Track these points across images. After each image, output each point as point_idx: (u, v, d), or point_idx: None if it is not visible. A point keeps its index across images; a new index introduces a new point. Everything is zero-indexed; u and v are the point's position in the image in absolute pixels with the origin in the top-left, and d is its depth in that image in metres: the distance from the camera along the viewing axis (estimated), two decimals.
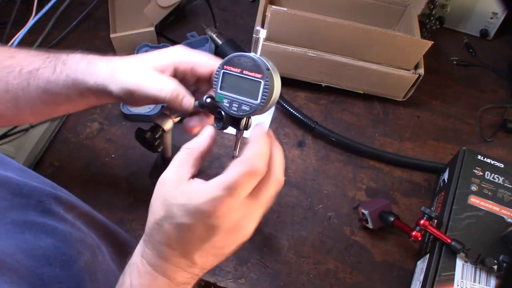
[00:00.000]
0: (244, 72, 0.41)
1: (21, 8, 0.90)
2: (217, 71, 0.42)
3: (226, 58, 0.41)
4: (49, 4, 0.92)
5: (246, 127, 0.44)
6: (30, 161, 0.71)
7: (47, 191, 0.46)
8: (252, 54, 0.41)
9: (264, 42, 0.76)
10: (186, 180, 0.37)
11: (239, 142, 0.43)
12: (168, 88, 0.44)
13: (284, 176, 0.39)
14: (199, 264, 0.39)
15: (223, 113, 0.42)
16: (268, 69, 0.40)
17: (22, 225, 0.42)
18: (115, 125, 0.78)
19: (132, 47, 0.85)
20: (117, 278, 0.49)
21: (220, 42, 0.86)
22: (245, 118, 0.43)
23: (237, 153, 0.44)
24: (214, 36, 0.87)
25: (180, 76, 0.47)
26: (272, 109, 0.82)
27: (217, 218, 0.35)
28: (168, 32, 0.92)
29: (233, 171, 0.35)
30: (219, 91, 0.42)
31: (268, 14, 0.74)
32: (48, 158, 0.74)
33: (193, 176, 0.38)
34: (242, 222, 0.38)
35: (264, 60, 0.40)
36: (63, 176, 0.72)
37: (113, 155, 0.75)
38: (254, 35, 0.42)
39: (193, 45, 0.86)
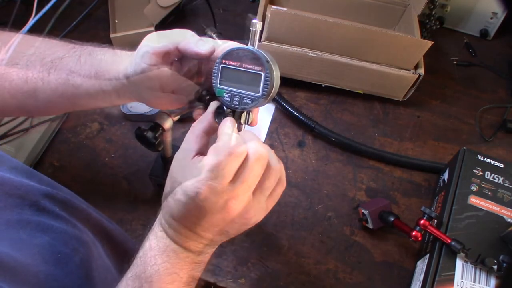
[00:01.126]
0: (244, 65, 0.40)
1: (21, 8, 0.90)
2: (215, 66, 0.42)
3: (224, 52, 0.41)
4: (49, 4, 0.91)
5: (247, 120, 0.44)
6: (30, 161, 0.71)
7: (43, 190, 0.46)
8: (250, 47, 0.41)
9: (264, 42, 0.76)
10: (190, 158, 0.39)
11: None
12: (174, 36, 0.45)
13: (263, 150, 0.39)
14: (205, 237, 0.40)
15: (224, 107, 0.42)
16: (268, 61, 0.40)
17: (16, 224, 0.42)
18: (115, 125, 0.78)
19: (132, 47, 0.85)
20: (112, 275, 0.49)
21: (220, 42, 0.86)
22: (245, 112, 0.43)
23: None
24: (214, 36, 0.87)
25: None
26: (272, 109, 0.82)
27: (202, 200, 0.37)
28: None
29: (213, 155, 0.37)
30: (219, 85, 0.42)
31: (268, 14, 0.74)
32: (48, 158, 0.74)
33: (200, 153, 0.40)
34: (230, 204, 0.38)
35: (263, 53, 0.40)
36: (63, 176, 0.72)
37: (113, 155, 0.75)
38: (250, 28, 0.41)
39: None
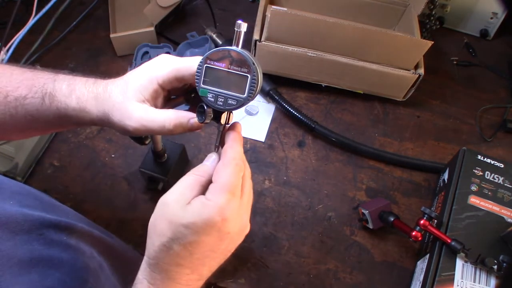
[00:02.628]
0: (229, 66, 0.40)
1: (21, 8, 0.90)
2: (199, 65, 0.42)
3: (208, 52, 0.41)
4: (49, 4, 0.92)
5: (228, 121, 0.44)
6: (30, 161, 0.71)
7: (46, 220, 0.45)
8: (235, 48, 0.40)
9: (264, 42, 0.76)
10: (191, 200, 0.38)
11: (220, 135, 0.44)
12: (169, 122, 0.43)
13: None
14: (205, 275, 0.40)
15: (205, 107, 0.42)
16: (253, 64, 0.40)
17: (29, 263, 0.41)
18: None
19: (132, 47, 0.85)
20: None
21: (220, 42, 0.86)
22: (226, 112, 0.43)
23: (218, 144, 0.45)
24: (214, 36, 0.87)
25: (169, 86, 0.46)
26: (272, 109, 0.82)
27: (229, 223, 0.37)
28: (168, 32, 0.92)
29: (225, 174, 0.38)
30: (202, 85, 0.42)
31: (268, 14, 0.74)
32: (48, 158, 0.74)
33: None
34: (244, 219, 0.39)
35: (248, 54, 0.40)
36: (63, 176, 0.72)
37: (113, 155, 0.75)
38: (235, 29, 0.41)
39: (193, 45, 0.86)
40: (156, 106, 0.45)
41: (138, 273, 0.40)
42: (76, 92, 0.45)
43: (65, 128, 0.52)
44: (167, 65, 0.44)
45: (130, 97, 0.43)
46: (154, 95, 0.44)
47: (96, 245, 0.50)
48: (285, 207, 0.71)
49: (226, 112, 0.43)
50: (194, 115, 0.45)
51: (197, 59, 0.43)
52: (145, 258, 0.39)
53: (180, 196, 0.38)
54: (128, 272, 0.54)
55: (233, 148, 0.40)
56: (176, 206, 0.37)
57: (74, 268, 0.45)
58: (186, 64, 0.44)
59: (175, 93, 0.49)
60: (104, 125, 0.46)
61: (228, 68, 0.41)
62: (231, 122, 0.45)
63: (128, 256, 0.60)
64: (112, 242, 0.56)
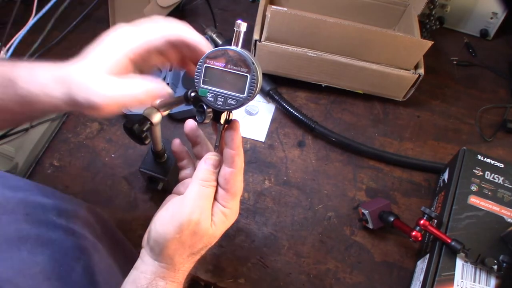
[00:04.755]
0: (229, 66, 0.40)
1: (21, 8, 0.90)
2: (198, 65, 0.42)
3: (208, 52, 0.41)
4: (49, 4, 0.92)
5: (227, 120, 0.44)
6: (30, 161, 0.71)
7: (30, 200, 0.45)
8: (235, 48, 0.40)
9: (264, 42, 0.76)
10: (213, 212, 0.43)
11: (220, 135, 0.45)
12: (139, 90, 0.40)
13: None
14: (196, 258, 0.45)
15: (205, 106, 0.42)
16: (253, 63, 0.40)
17: (17, 241, 0.41)
18: (115, 125, 0.78)
19: None
20: (115, 274, 0.49)
21: (220, 42, 0.86)
22: (226, 112, 0.43)
23: (219, 144, 0.46)
24: (214, 36, 0.87)
25: (140, 61, 0.42)
26: (272, 109, 0.82)
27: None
28: None
29: (237, 183, 0.42)
30: (201, 85, 0.42)
31: (268, 14, 0.74)
32: (48, 158, 0.74)
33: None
34: None
35: (248, 54, 0.40)
36: (63, 176, 0.72)
37: (113, 155, 0.75)
38: (235, 28, 0.41)
39: None
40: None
41: (147, 274, 0.41)
42: (38, 77, 0.41)
43: (32, 118, 0.50)
44: (137, 38, 0.41)
45: (95, 73, 0.40)
46: (122, 71, 0.40)
47: (90, 227, 0.50)
48: (285, 207, 0.71)
49: (225, 112, 0.43)
50: (160, 87, 0.41)
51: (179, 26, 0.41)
52: (156, 263, 0.41)
53: (205, 213, 0.41)
54: (126, 259, 0.55)
55: (240, 156, 0.42)
56: (205, 224, 0.41)
57: (64, 246, 0.45)
58: (172, 32, 0.40)
59: (144, 68, 0.44)
60: (72, 109, 0.41)
61: (228, 68, 0.41)
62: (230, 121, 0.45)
63: (127, 249, 0.60)
64: (112, 229, 0.57)
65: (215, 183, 0.43)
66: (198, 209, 0.40)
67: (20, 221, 0.43)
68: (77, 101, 0.39)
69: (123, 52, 0.40)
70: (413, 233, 0.60)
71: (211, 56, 0.41)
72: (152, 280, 0.40)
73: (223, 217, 0.42)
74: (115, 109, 0.39)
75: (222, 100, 0.41)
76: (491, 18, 0.94)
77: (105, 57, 0.40)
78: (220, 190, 0.42)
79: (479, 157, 0.68)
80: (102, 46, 0.41)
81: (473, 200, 0.64)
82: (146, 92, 0.40)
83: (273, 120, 0.81)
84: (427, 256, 0.62)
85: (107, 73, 0.39)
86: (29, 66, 0.42)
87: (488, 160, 0.68)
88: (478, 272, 0.58)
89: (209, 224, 0.41)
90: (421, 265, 0.63)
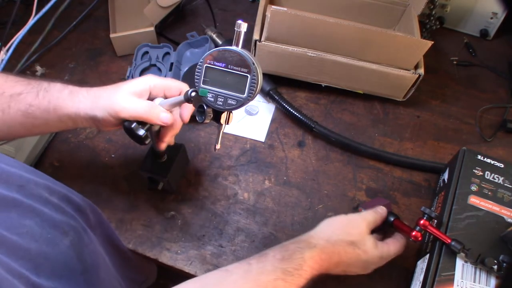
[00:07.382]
0: (229, 66, 0.40)
1: (21, 8, 0.91)
2: (199, 65, 0.42)
3: (208, 52, 0.41)
4: (49, 4, 0.92)
5: (227, 121, 0.44)
6: (30, 161, 0.71)
7: (24, 176, 0.46)
8: (235, 48, 0.40)
9: (264, 42, 0.76)
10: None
11: (220, 135, 0.44)
12: (143, 106, 0.51)
13: None
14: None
15: (205, 107, 0.42)
16: (253, 64, 0.40)
17: (9, 202, 0.42)
18: None
19: (132, 47, 0.85)
20: (106, 263, 0.50)
21: (220, 42, 0.86)
22: (226, 112, 0.43)
23: (218, 145, 0.45)
24: (214, 36, 0.87)
25: (159, 93, 0.54)
26: (272, 109, 0.82)
27: None
28: (168, 32, 0.92)
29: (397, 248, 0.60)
30: (202, 85, 0.42)
31: (268, 14, 0.74)
32: (48, 158, 0.74)
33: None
34: None
35: (248, 54, 0.40)
36: (63, 176, 0.72)
37: (113, 155, 0.75)
38: (235, 29, 0.41)
39: (193, 45, 0.86)
40: None
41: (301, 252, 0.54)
42: (69, 87, 0.54)
43: (51, 129, 0.57)
44: (159, 80, 0.54)
45: (119, 87, 0.53)
46: (142, 93, 0.53)
47: (82, 214, 0.51)
48: (285, 207, 0.71)
49: (226, 112, 0.43)
50: (164, 112, 0.50)
51: (180, 83, 0.53)
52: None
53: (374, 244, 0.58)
54: (119, 256, 0.57)
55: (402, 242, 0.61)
56: (375, 252, 0.58)
57: (54, 219, 0.45)
58: (173, 84, 0.53)
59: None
60: (88, 115, 0.52)
61: (228, 68, 0.41)
62: (231, 122, 0.45)
63: (122, 249, 0.60)
64: (108, 225, 0.58)
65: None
66: (369, 246, 0.59)
67: (13, 191, 0.43)
68: (95, 114, 0.53)
69: (147, 81, 0.53)
70: (413, 233, 0.60)
71: (212, 56, 0.41)
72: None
73: (386, 248, 0.59)
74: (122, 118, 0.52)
75: (222, 100, 0.41)
76: (491, 18, 0.94)
77: (132, 82, 0.54)
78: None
79: (479, 157, 0.68)
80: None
81: (473, 200, 0.64)
82: (146, 112, 0.51)
83: (273, 120, 0.81)
84: (427, 256, 0.62)
85: (132, 92, 0.52)
86: (65, 83, 0.55)
87: (488, 160, 0.68)
88: (478, 272, 0.58)
89: (376, 252, 0.58)
90: (421, 265, 0.63)
